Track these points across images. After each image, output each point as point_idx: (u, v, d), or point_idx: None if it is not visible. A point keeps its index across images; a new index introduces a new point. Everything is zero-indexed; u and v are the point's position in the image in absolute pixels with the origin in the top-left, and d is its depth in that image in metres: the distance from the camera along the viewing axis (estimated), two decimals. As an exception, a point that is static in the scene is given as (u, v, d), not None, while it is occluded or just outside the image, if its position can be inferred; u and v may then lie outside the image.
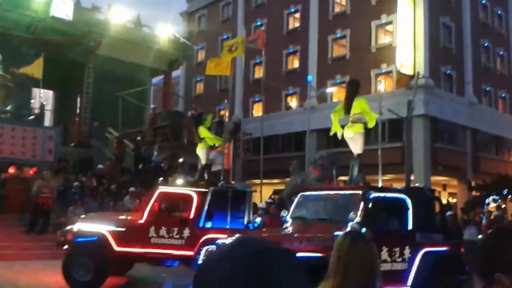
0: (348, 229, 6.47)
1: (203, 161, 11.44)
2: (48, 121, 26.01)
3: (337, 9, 29.07)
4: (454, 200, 26.02)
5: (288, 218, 8.40)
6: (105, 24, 24.57)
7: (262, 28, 30.66)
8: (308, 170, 16.84)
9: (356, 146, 8.57)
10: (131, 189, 15.51)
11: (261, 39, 19.11)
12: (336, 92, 28.06)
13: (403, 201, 7.87)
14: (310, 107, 24.72)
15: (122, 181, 17.72)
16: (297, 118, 27.93)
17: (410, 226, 7.77)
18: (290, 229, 8.09)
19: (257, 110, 31.52)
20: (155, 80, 32.39)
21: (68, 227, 9.86)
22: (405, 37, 24.74)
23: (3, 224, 13.66)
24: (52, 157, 17.41)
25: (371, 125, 8.57)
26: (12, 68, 19.75)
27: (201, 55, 36.01)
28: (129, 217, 10.09)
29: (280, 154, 27.16)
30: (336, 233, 6.51)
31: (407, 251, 7.54)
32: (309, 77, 25.22)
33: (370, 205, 7.34)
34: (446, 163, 24.58)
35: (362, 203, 7.35)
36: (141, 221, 9.29)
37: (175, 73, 33.18)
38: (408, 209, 7.78)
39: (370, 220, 7.21)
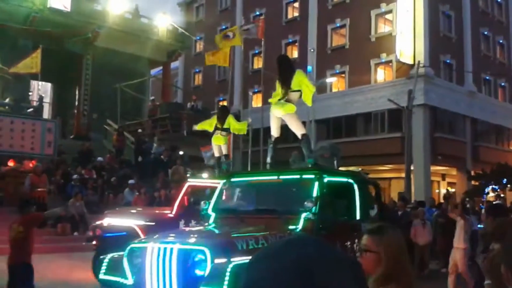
0: (302, 221, 5.82)
1: (218, 153, 10.59)
2: (47, 113, 25.92)
3: (337, -2, 28.88)
4: (453, 190, 26.05)
5: (210, 212, 6.81)
6: (103, 15, 24.40)
7: (262, 17, 30.46)
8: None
9: (294, 127, 7.28)
10: (130, 181, 15.52)
11: (260, 28, 18.96)
12: (335, 82, 27.98)
13: (351, 186, 6.78)
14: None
15: (122, 174, 17.70)
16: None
17: (358, 215, 6.72)
18: (222, 226, 6.51)
19: (257, 101, 31.41)
20: (153, 71, 32.23)
21: (98, 222, 9.72)
22: (405, 26, 24.62)
23: (2, 218, 13.64)
24: (52, 149, 17.32)
25: (307, 100, 7.33)
26: (11, 67, 19.60)
27: (199, 46, 35.81)
28: (157, 211, 9.98)
29: (280, 145, 27.17)
30: (292, 228, 5.80)
31: (356, 245, 6.14)
32: (309, 68, 25.10)
33: (323, 191, 6.09)
34: (445, 153, 24.57)
35: (316, 189, 6.09)
36: (171, 215, 9.05)
37: (173, 64, 33.03)
38: (355, 195, 6.75)
39: (327, 210, 6.09)
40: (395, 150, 23.05)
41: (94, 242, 9.30)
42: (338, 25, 28.19)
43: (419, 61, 22.65)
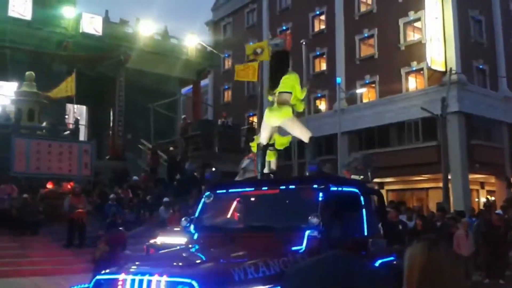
0: (305, 241, 4.89)
1: (267, 169, 10.38)
2: (83, 135, 26.56)
3: (363, 9, 28.79)
4: (493, 198, 25.28)
5: (192, 229, 5.74)
6: (133, 38, 24.99)
7: (288, 31, 30.59)
8: (341, 173, 16.64)
9: (297, 132, 6.37)
10: (165, 199, 15.68)
11: (288, 40, 19.05)
12: (366, 93, 27.75)
13: (357, 197, 5.86)
14: (340, 109, 24.49)
15: (157, 192, 17.92)
16: (327, 121, 27.73)
17: (365, 231, 5.78)
18: (209, 248, 5.34)
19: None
20: (184, 90, 32.72)
21: (151, 241, 9.83)
22: (435, 33, 24.29)
23: (42, 239, 13.98)
24: (89, 170, 17.74)
25: (299, 108, 6.49)
26: (47, 92, 20.25)
27: (228, 63, 36.20)
28: None
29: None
30: (295, 249, 4.80)
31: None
32: (338, 79, 25.01)
33: (329, 204, 5.21)
34: (483, 160, 23.93)
35: (321, 201, 5.16)
36: None
37: (203, 82, 33.44)
38: (362, 208, 5.86)
39: (334, 226, 5.19)
40: (431, 159, 22.60)
41: None
42: (366, 35, 28.05)
43: (451, 68, 22.28)
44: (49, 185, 16.30)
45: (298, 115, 6.78)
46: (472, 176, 24.40)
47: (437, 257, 1.76)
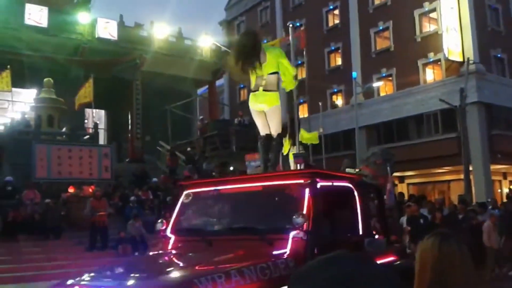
0: (290, 241, 4.36)
1: (294, 167, 10.21)
2: (102, 139, 26.87)
3: (377, 1, 28.50)
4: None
5: (169, 233, 5.22)
6: (148, 41, 25.18)
7: (302, 28, 30.48)
8: (360, 168, 16.52)
9: (274, 123, 5.70)
10: (186, 200, 15.75)
11: (301, 39, 18.96)
12: (383, 86, 27.50)
13: (350, 192, 5.28)
14: (357, 103, 24.31)
15: (176, 193, 18.01)
16: (344, 116, 27.56)
17: (360, 230, 5.21)
18: (182, 255, 4.87)
19: (303, 111, 31.34)
20: (200, 90, 32.85)
21: None
22: (451, 23, 23.94)
23: (65, 243, 14.19)
24: (109, 174, 17.93)
25: (289, 86, 5.88)
26: (65, 97, 20.56)
27: (243, 62, 36.16)
28: None
29: (329, 154, 26.93)
30: (278, 253, 4.30)
31: None
32: (354, 74, 24.82)
33: (318, 200, 4.64)
34: (505, 150, 23.50)
35: (308, 198, 4.58)
36: None
37: (218, 82, 33.53)
38: (355, 204, 5.26)
39: (323, 225, 4.67)
40: (451, 151, 22.30)
41: None
42: (381, 28, 27.79)
43: (468, 58, 21.94)
44: (71, 189, 16.52)
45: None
46: (494, 167, 24.01)
47: (448, 251, 1.73)
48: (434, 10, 25.12)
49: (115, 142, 24.17)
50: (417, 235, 6.94)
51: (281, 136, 5.77)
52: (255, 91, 5.58)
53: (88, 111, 26.23)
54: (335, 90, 30.21)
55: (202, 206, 5.48)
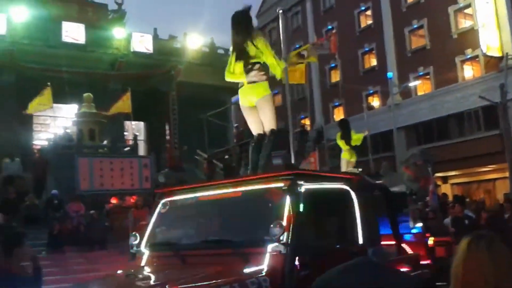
0: (268, 256, 3.82)
1: (345, 167, 10.29)
2: (142, 150, 27.39)
3: (410, 0, 28.06)
4: None
5: (143, 248, 4.81)
6: (182, 52, 25.63)
7: (334, 31, 30.28)
8: (400, 170, 16.23)
9: (267, 116, 5.29)
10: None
11: (333, 43, 18.84)
12: (420, 85, 26.98)
13: (346, 195, 4.64)
14: (394, 104, 23.91)
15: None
16: (381, 117, 27.14)
17: (360, 239, 4.49)
18: (152, 274, 4.47)
19: (338, 115, 31.06)
20: (234, 98, 33.07)
21: None
22: (487, 18, 23.28)
23: (110, 253, 14.47)
24: (149, 184, 18.26)
25: (279, 75, 5.60)
26: (104, 111, 21.11)
27: (276, 68, 36.23)
28: None
29: (368, 157, 26.60)
30: (253, 270, 3.75)
31: None
32: (389, 74, 24.45)
33: (301, 206, 3.98)
34: (552, 146, 22.60)
35: (288, 204, 3.97)
36: None
37: (253, 89, 33.65)
38: (353, 208, 4.59)
39: (307, 235, 4.05)
40: (494, 149, 21.60)
41: None
42: (415, 26, 27.30)
43: (507, 53, 21.28)
44: (113, 200, 16.89)
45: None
46: (541, 164, 23.11)
47: (482, 255, 1.62)
48: (469, 5, 24.50)
49: (154, 152, 24.56)
50: (462, 237, 6.74)
51: (274, 132, 5.22)
52: (241, 87, 5.35)
53: (127, 123, 26.82)
54: (371, 92, 29.82)
55: (179, 215, 4.98)
